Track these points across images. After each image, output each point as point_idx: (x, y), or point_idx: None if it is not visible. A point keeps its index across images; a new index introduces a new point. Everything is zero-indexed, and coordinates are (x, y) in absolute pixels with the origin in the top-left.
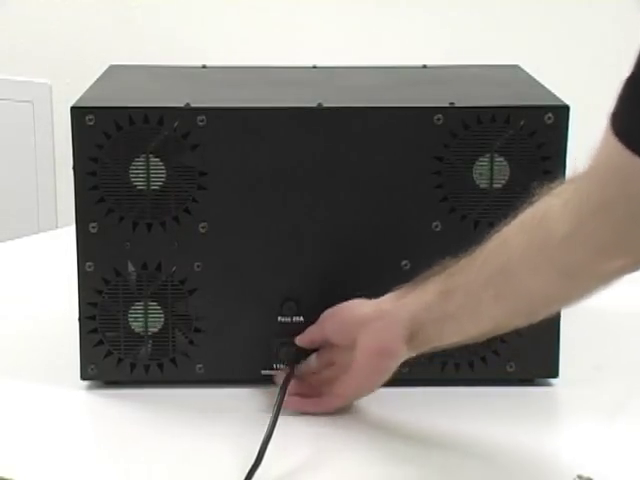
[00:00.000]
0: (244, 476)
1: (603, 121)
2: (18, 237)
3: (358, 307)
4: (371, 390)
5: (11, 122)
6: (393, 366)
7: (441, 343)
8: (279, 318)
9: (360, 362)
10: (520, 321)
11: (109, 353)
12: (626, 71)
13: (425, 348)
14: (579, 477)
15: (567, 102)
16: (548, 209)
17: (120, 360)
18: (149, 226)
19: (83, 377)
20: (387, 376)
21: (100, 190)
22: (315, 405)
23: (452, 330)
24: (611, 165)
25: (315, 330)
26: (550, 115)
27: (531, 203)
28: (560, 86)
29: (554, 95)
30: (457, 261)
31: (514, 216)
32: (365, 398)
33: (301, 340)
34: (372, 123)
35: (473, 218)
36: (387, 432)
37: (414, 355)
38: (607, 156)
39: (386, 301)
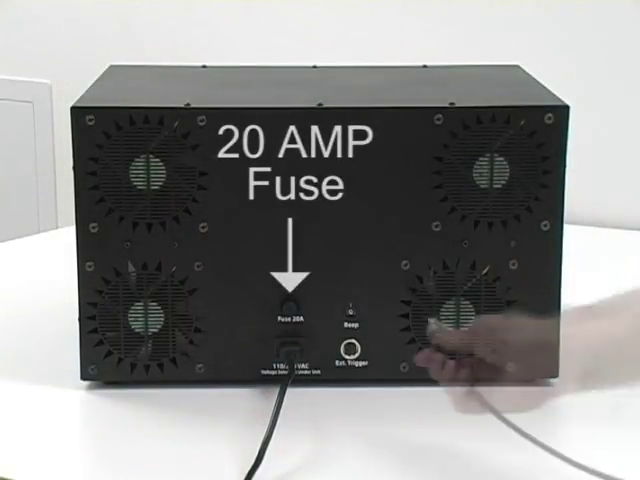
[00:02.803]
0: (244, 476)
1: (603, 121)
2: (18, 237)
3: (517, 328)
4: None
5: (11, 122)
6: (540, 401)
7: (617, 386)
8: (279, 318)
9: (502, 392)
10: None
11: (109, 353)
12: (626, 70)
13: (596, 387)
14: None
15: (567, 102)
16: None
17: (120, 360)
18: (149, 226)
19: (83, 377)
20: (532, 408)
21: (100, 190)
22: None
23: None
24: None
25: (460, 336)
26: (550, 115)
27: None
28: (560, 86)
29: (554, 95)
30: None
31: None
32: (364, 398)
33: (445, 342)
34: (372, 123)
35: (473, 218)
36: (387, 432)
37: (580, 392)
38: None
39: (553, 327)
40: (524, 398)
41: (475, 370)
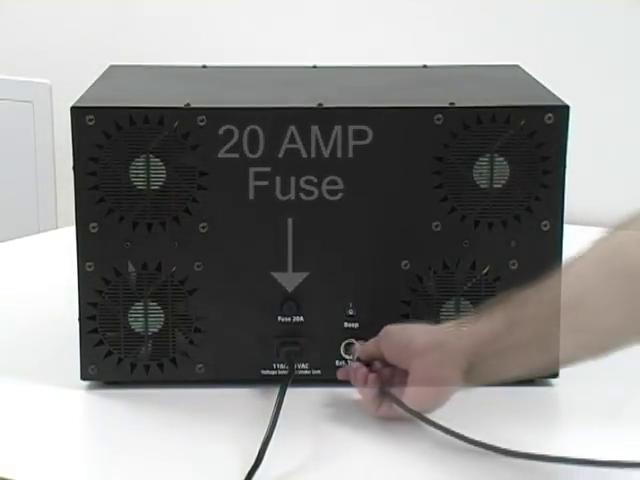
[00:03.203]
0: (244, 476)
1: (603, 121)
2: (18, 237)
3: (415, 334)
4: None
5: (11, 122)
6: (446, 398)
7: (503, 376)
8: (279, 318)
9: (411, 391)
10: (590, 356)
11: (109, 353)
12: (626, 70)
13: (484, 381)
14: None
15: (567, 102)
16: (627, 241)
17: (120, 360)
18: (149, 226)
19: (83, 377)
20: (440, 405)
21: (100, 190)
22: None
23: (517, 362)
24: None
25: (373, 346)
26: (550, 115)
27: (603, 238)
28: (560, 86)
29: (554, 95)
30: (522, 293)
31: (583, 250)
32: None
33: (361, 353)
34: (372, 123)
35: (473, 218)
36: (387, 432)
37: (471, 387)
38: None
39: (444, 331)
40: (428, 398)
41: (388, 375)
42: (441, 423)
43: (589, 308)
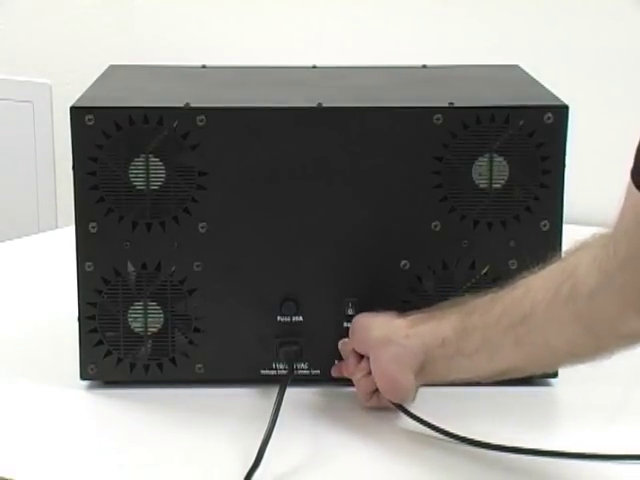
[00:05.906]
0: (244, 476)
1: (603, 121)
2: (18, 237)
3: (372, 327)
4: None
5: (11, 122)
6: (408, 394)
7: (447, 379)
8: (279, 318)
9: (379, 384)
10: (537, 370)
11: (109, 353)
12: (625, 70)
13: (430, 381)
14: None
15: (567, 102)
16: (578, 264)
17: (120, 360)
18: (149, 226)
19: (83, 377)
20: (409, 396)
21: (100, 190)
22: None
23: (462, 368)
24: (636, 219)
25: (348, 341)
26: (550, 115)
27: (561, 257)
28: (560, 86)
29: (554, 95)
30: (477, 299)
31: (542, 267)
32: None
33: (342, 348)
34: (372, 123)
35: (473, 218)
36: (387, 432)
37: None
38: (631, 210)
39: (397, 327)
40: (393, 392)
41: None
42: (439, 423)
43: (535, 325)
